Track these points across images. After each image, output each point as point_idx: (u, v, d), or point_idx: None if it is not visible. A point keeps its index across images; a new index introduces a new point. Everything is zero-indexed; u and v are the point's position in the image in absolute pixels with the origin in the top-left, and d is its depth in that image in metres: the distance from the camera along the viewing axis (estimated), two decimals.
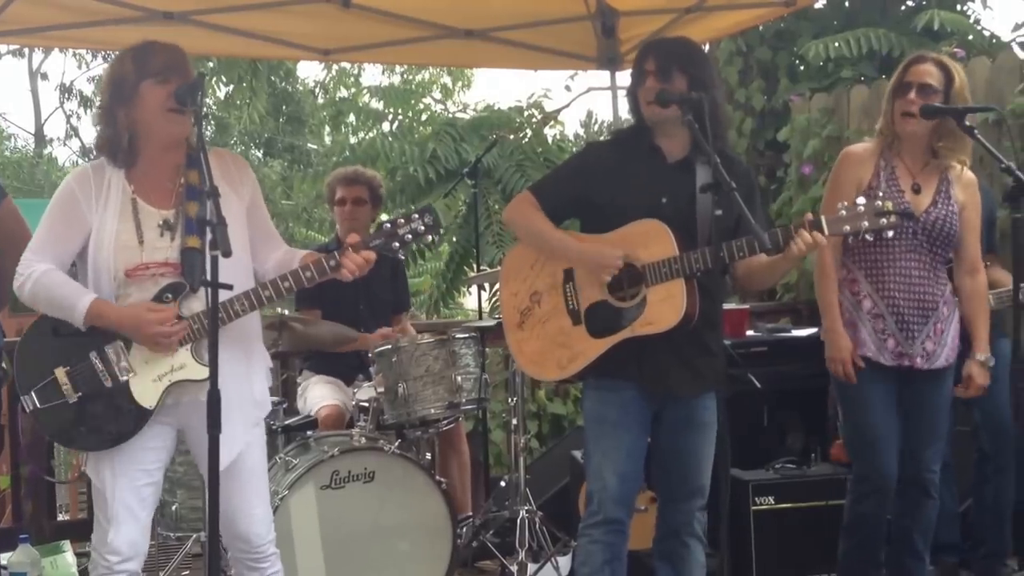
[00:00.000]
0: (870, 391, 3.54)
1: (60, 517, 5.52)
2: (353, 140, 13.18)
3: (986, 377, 3.61)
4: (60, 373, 2.82)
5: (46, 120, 22.40)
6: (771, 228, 3.00)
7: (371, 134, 10.43)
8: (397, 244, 2.90)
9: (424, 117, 9.78)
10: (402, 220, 2.90)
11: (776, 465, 4.28)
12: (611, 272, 3.08)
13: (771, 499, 4.14)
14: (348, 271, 2.84)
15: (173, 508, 4.15)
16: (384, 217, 3.92)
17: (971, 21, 7.19)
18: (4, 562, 4.17)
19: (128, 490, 2.85)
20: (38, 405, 2.83)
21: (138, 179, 2.88)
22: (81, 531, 4.77)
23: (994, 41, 7.00)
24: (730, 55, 7.59)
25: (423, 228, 2.89)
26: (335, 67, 16.37)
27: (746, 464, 4.23)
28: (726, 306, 4.79)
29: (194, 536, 4.15)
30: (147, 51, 2.86)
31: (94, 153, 2.97)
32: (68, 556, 4.62)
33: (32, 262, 2.83)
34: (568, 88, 9.39)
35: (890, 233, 2.95)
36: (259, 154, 18.86)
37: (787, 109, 7.04)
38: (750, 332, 5.04)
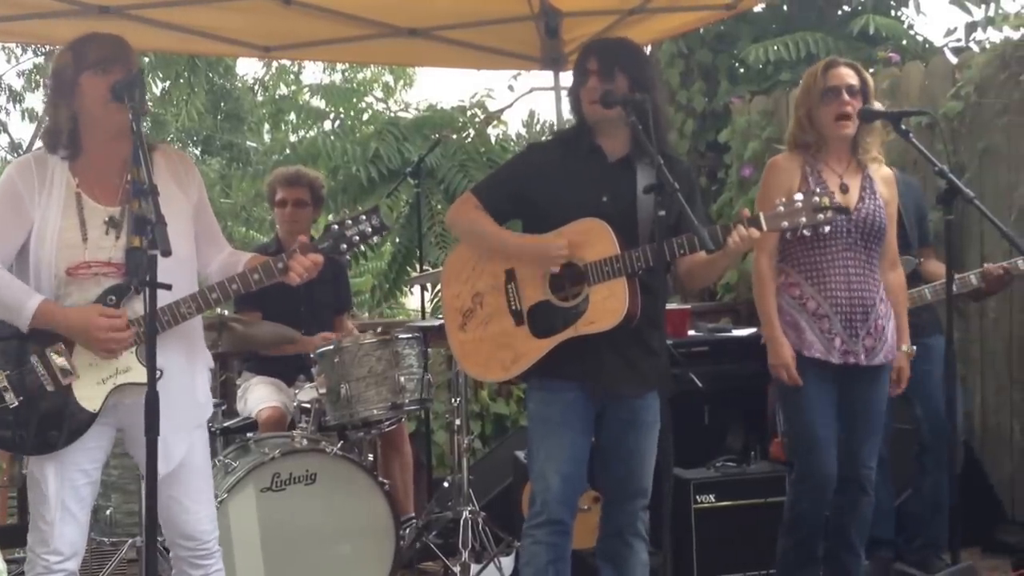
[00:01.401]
0: (810, 392, 3.58)
1: None
2: (293, 138, 13.05)
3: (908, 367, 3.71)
4: None
5: None
6: (710, 227, 3.02)
7: (311, 133, 10.34)
8: (345, 246, 2.87)
9: (366, 116, 9.72)
10: (350, 221, 2.87)
11: (717, 463, 4.32)
12: (556, 263, 3.08)
13: (712, 497, 4.18)
14: (296, 274, 2.81)
15: (108, 512, 4.07)
16: (331, 218, 3.88)
17: (905, 27, 7.33)
18: None
19: (68, 490, 2.81)
20: None
21: (83, 172, 2.80)
22: (10, 537, 4.68)
23: (927, 46, 7.14)
24: (671, 57, 7.65)
25: (371, 230, 2.87)
26: (275, 64, 16.19)
27: (688, 463, 4.27)
28: (668, 306, 4.82)
29: (129, 541, 4.08)
30: (86, 42, 2.80)
31: (23, 150, 2.90)
32: None
33: None
34: (511, 88, 9.40)
35: (827, 228, 2.99)
36: (197, 152, 18.58)
37: (727, 111, 7.12)
38: (691, 332, 5.09)
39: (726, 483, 4.22)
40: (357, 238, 2.87)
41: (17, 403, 2.76)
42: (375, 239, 2.92)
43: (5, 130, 21.22)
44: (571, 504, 3.19)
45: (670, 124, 7.27)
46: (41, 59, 18.09)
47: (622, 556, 3.27)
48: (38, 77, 18.26)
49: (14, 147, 21.51)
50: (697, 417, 4.71)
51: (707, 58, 7.53)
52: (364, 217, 2.88)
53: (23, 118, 19.19)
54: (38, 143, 2.95)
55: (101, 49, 2.78)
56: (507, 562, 4.32)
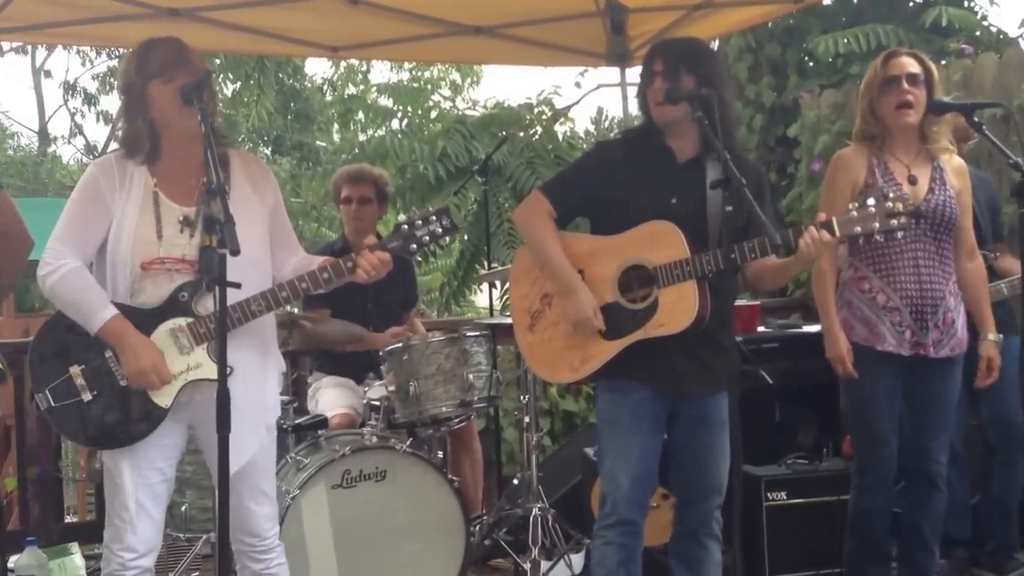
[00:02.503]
0: (876, 384, 3.55)
1: (68, 519, 5.51)
2: (362, 137, 13.17)
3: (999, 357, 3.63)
4: (75, 371, 2.81)
5: (50, 118, 22.39)
6: (781, 225, 2.98)
7: (380, 131, 10.41)
8: (415, 246, 2.89)
9: (433, 114, 9.77)
10: (419, 221, 2.89)
11: (788, 460, 4.27)
12: (586, 330, 3.10)
13: (783, 494, 4.14)
14: (364, 272, 2.84)
15: (183, 509, 4.13)
16: (401, 217, 3.92)
17: (978, 17, 7.18)
18: (12, 565, 4.16)
19: (142, 487, 2.85)
20: (52, 403, 2.82)
21: (161, 173, 2.86)
22: (89, 533, 4.79)
23: (1001, 37, 6.99)
24: (740, 52, 7.57)
25: (440, 230, 2.88)
26: (343, 64, 16.35)
27: (758, 460, 4.22)
28: (737, 303, 4.77)
29: (204, 537, 4.14)
30: (146, 51, 2.84)
31: (98, 152, 2.97)
32: (76, 558, 4.60)
33: (60, 253, 2.80)
34: (578, 85, 9.35)
35: (900, 234, 2.94)
36: (267, 152, 18.86)
37: (797, 105, 7.03)
38: (761, 328, 5.02)
39: (798, 480, 4.17)
40: (427, 238, 2.89)
41: (91, 398, 2.81)
42: (445, 239, 2.93)
43: (81, 132, 21.76)
44: (642, 504, 3.17)
45: (738, 121, 7.20)
46: (115, 62, 18.54)
47: (697, 557, 3.26)
48: (112, 80, 18.70)
49: (90, 149, 22.05)
50: (767, 414, 4.65)
51: (776, 52, 7.44)
52: (434, 217, 2.89)
53: (98, 120, 19.67)
54: (113, 145, 3.01)
55: (162, 56, 2.82)
56: (577, 559, 4.32)
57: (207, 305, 2.81)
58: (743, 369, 4.35)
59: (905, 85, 3.52)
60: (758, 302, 5.39)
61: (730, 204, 2.84)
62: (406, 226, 2.89)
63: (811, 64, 7.47)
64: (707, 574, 3.24)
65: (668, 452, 3.26)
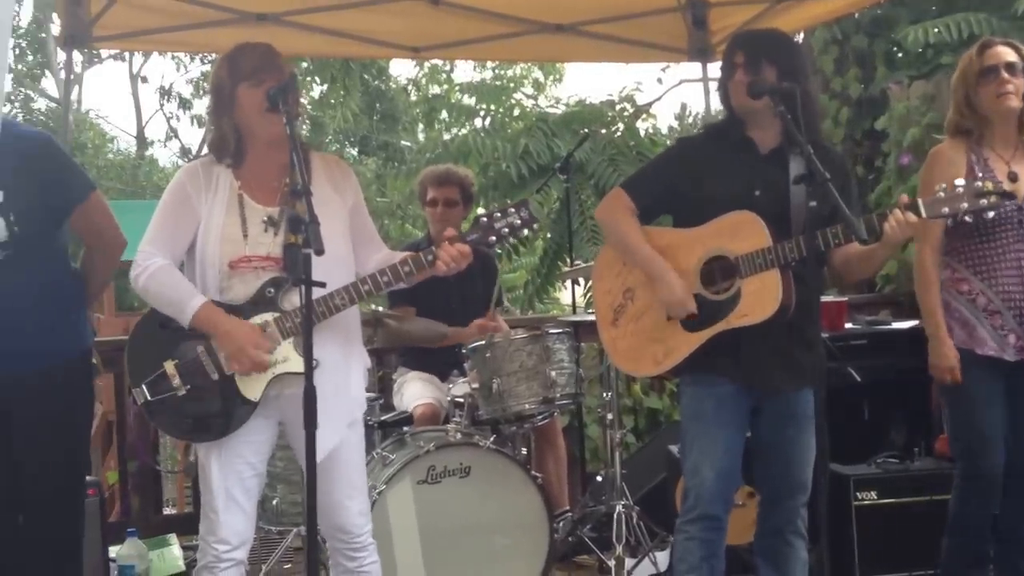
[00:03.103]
0: (979, 390, 3.45)
1: (166, 511, 5.67)
2: (447, 137, 13.29)
3: None
4: (169, 366, 2.89)
5: (147, 122, 23.03)
6: (866, 216, 2.93)
7: (464, 130, 10.49)
8: (493, 238, 2.91)
9: (516, 112, 9.80)
10: (498, 214, 2.91)
11: (878, 459, 4.20)
12: (679, 315, 3.09)
13: (873, 494, 4.06)
14: (444, 263, 2.87)
15: (274, 502, 4.23)
16: (481, 211, 3.95)
17: None
18: (113, 555, 4.28)
19: (234, 482, 2.92)
20: (149, 397, 2.90)
21: (246, 177, 2.95)
22: (187, 525, 4.90)
23: None
24: (825, 44, 7.45)
25: (519, 222, 2.90)
26: (427, 64, 16.51)
27: (846, 459, 4.15)
28: (824, 299, 4.70)
29: (294, 530, 4.24)
30: (239, 55, 2.93)
31: (193, 154, 3.07)
32: (175, 549, 4.73)
33: (150, 255, 2.89)
34: (660, 81, 9.33)
35: (991, 214, 2.87)
36: (354, 152, 19.13)
37: (885, 97, 6.88)
38: (849, 325, 4.94)
39: (888, 480, 4.09)
40: (506, 230, 2.90)
41: (185, 392, 2.89)
42: (524, 232, 2.95)
43: (176, 136, 22.35)
44: (725, 499, 3.15)
45: (822, 113, 7.08)
46: (207, 67, 18.99)
47: (782, 555, 3.22)
48: (204, 84, 19.16)
49: (184, 152, 22.62)
50: (856, 412, 4.57)
51: (863, 43, 7.30)
52: (512, 210, 2.91)
53: (192, 123, 20.20)
54: (205, 150, 3.11)
55: (252, 61, 2.90)
56: (662, 557, 4.30)
57: (292, 300, 2.87)
58: (830, 366, 4.30)
59: (1004, 75, 3.42)
60: (845, 298, 5.30)
61: (814, 199, 2.81)
62: (485, 219, 2.92)
63: (899, 55, 7.32)
64: (793, 572, 3.21)
65: (752, 448, 3.23)
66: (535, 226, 2.98)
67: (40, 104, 21.89)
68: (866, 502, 4.05)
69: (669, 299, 3.10)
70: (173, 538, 4.79)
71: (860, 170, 7.06)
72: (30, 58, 21.21)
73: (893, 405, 4.62)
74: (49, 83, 21.54)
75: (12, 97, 21.27)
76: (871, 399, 4.59)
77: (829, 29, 7.33)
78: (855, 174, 7.31)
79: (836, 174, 2.85)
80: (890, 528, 4.04)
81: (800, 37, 7.48)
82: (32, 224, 3.05)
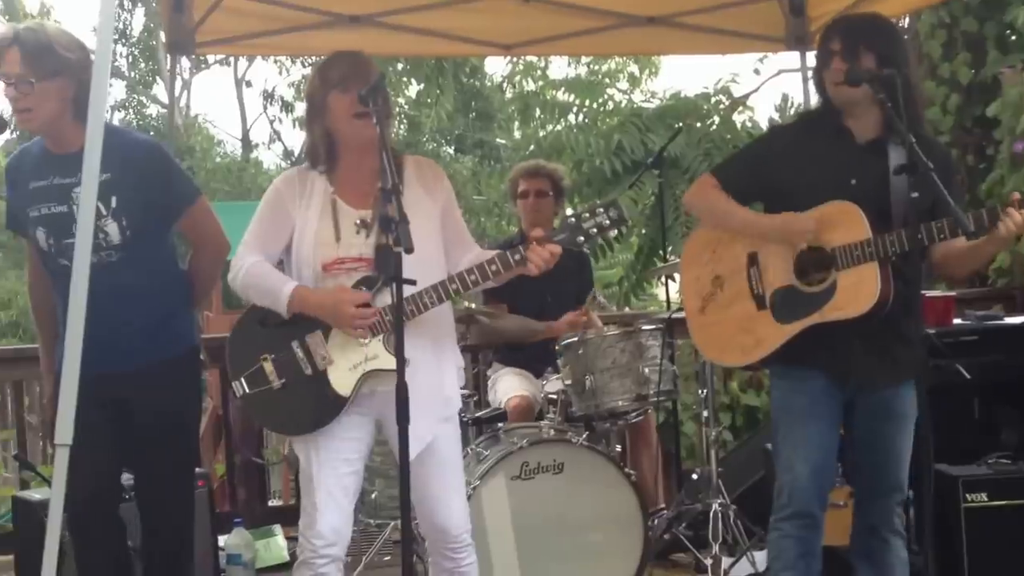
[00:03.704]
0: None
1: (271, 502, 5.79)
2: (542, 133, 13.29)
3: None
4: (265, 360, 2.98)
5: (251, 126, 23.61)
6: (974, 211, 2.82)
7: (558, 127, 10.48)
8: (582, 238, 2.89)
9: (610, 107, 9.74)
10: (587, 214, 2.89)
11: (989, 460, 4.03)
12: (803, 237, 2.99)
13: (984, 496, 3.90)
14: (534, 265, 2.86)
15: (372, 496, 4.31)
16: (569, 211, 3.94)
17: None
18: (221, 544, 4.41)
19: (331, 478, 2.97)
20: (247, 391, 3.00)
21: (339, 182, 3.02)
22: (291, 516, 5.00)
23: None
24: (932, 28, 7.22)
25: (608, 222, 2.87)
26: (522, 61, 16.51)
27: (953, 459, 4.00)
28: (930, 293, 4.56)
29: (392, 523, 4.30)
30: (330, 64, 3.03)
31: (295, 156, 3.14)
32: (280, 540, 4.86)
33: (243, 256, 3.01)
34: (757, 72, 9.12)
35: None
36: (450, 150, 19.27)
37: (997, 83, 6.64)
38: (958, 320, 4.77)
39: (1001, 481, 3.91)
40: (594, 230, 2.88)
41: (280, 386, 2.97)
42: (612, 232, 2.94)
43: (279, 138, 22.85)
44: (820, 496, 3.08)
45: (929, 100, 6.85)
46: (308, 70, 19.32)
47: (879, 553, 3.13)
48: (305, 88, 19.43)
49: (287, 154, 23.10)
50: (965, 411, 4.41)
51: (973, 26, 7.05)
52: (601, 209, 2.88)
53: (294, 126, 20.62)
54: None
55: (341, 69, 2.98)
56: (760, 556, 4.21)
57: (383, 299, 2.91)
58: (937, 363, 4.16)
59: None
60: (953, 293, 5.13)
61: (916, 191, 2.72)
62: (573, 218, 2.91)
63: (1012, 38, 7.03)
64: (892, 571, 3.11)
65: (845, 444, 3.15)
66: (624, 226, 2.95)
67: (152, 110, 22.60)
68: (976, 504, 3.89)
69: (788, 231, 3.01)
70: (278, 528, 4.92)
71: (970, 159, 6.83)
72: (142, 65, 21.90)
73: (1006, 403, 4.44)
74: (160, 89, 22.22)
75: (125, 104, 22.06)
76: (981, 397, 4.42)
77: (936, 12, 7.09)
78: (964, 163, 7.08)
79: (939, 167, 2.75)
80: (1002, 532, 3.87)
81: (905, 22, 7.26)
82: (143, 227, 3.18)
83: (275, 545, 4.82)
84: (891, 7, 4.51)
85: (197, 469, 3.71)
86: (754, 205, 3.24)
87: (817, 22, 4.91)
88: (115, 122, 18.77)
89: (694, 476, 4.70)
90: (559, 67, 17.18)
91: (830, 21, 3.23)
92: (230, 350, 3.06)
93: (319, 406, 2.96)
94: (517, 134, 17.49)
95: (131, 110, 21.89)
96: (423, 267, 2.81)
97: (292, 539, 4.79)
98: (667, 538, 4.51)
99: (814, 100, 3.28)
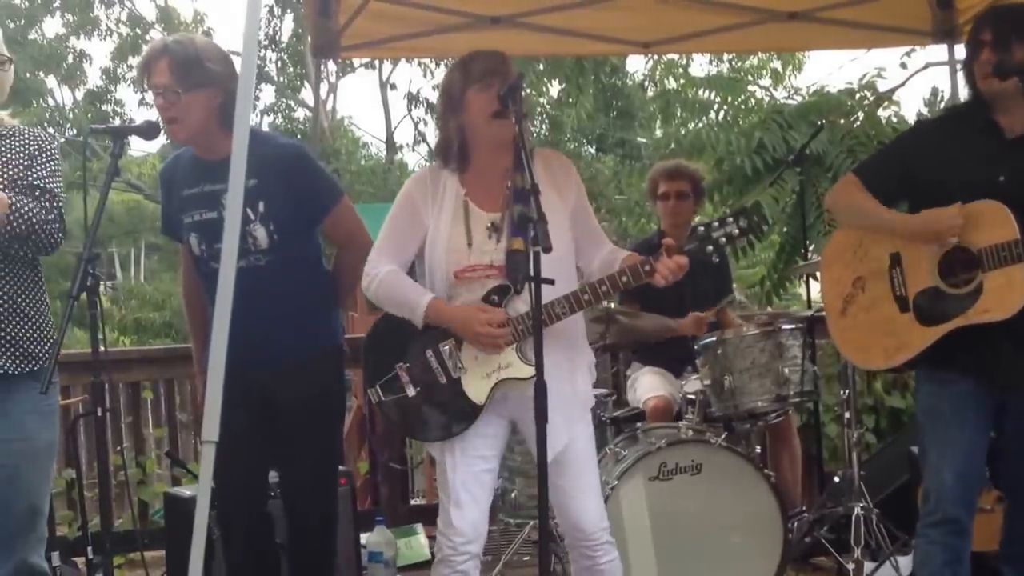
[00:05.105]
0: None
1: (413, 501, 5.87)
2: (683, 131, 13.18)
3: None
4: (401, 369, 3.03)
5: (395, 128, 24.06)
6: None
7: (699, 124, 10.37)
8: (711, 247, 2.86)
9: (751, 104, 9.58)
10: (716, 223, 2.86)
11: None
12: (951, 233, 2.92)
13: None
14: (661, 276, 2.84)
15: (512, 495, 4.34)
16: (698, 218, 3.92)
17: None
18: (364, 542, 4.47)
19: (468, 475, 3.00)
20: (382, 398, 3.05)
21: (471, 182, 3.02)
22: (433, 515, 5.06)
23: None
24: None
25: (737, 231, 2.84)
26: (663, 59, 16.42)
27: None
28: None
29: (531, 523, 4.30)
30: (470, 60, 3.01)
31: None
32: (421, 538, 4.92)
33: (377, 263, 3.02)
34: (903, 66, 8.79)
35: None
36: (591, 149, 19.25)
37: None
38: None
39: None
40: (723, 240, 2.85)
41: (415, 393, 3.02)
42: (743, 241, 2.91)
43: (424, 140, 23.23)
44: (968, 502, 3.00)
45: None
46: None
47: None
48: None
49: (431, 155, 23.40)
50: None
51: None
52: (731, 219, 2.85)
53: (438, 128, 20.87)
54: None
55: (483, 64, 2.97)
56: (904, 562, 4.11)
57: (516, 308, 2.93)
58: None
59: None
60: None
61: None
62: (702, 228, 2.88)
63: None
64: None
65: (997, 448, 3.06)
66: (754, 235, 2.91)
67: (299, 113, 23.28)
68: None
69: (934, 228, 2.94)
70: (419, 527, 4.97)
71: None
72: (291, 70, 22.61)
73: None
74: (307, 93, 22.89)
75: (274, 108, 22.78)
76: None
77: None
78: None
79: None
80: None
81: None
82: (289, 231, 3.25)
83: (416, 543, 4.88)
84: None
85: (341, 467, 3.75)
86: (900, 205, 3.18)
87: (965, 14, 4.75)
88: (264, 126, 19.47)
89: (836, 479, 4.60)
90: (701, 64, 17.01)
91: (981, 11, 3.14)
92: (366, 357, 3.09)
93: (453, 413, 2.99)
94: (658, 132, 17.35)
95: (279, 114, 22.57)
96: (555, 267, 2.78)
97: (433, 538, 4.85)
98: (808, 541, 4.43)
99: (964, 94, 3.18)
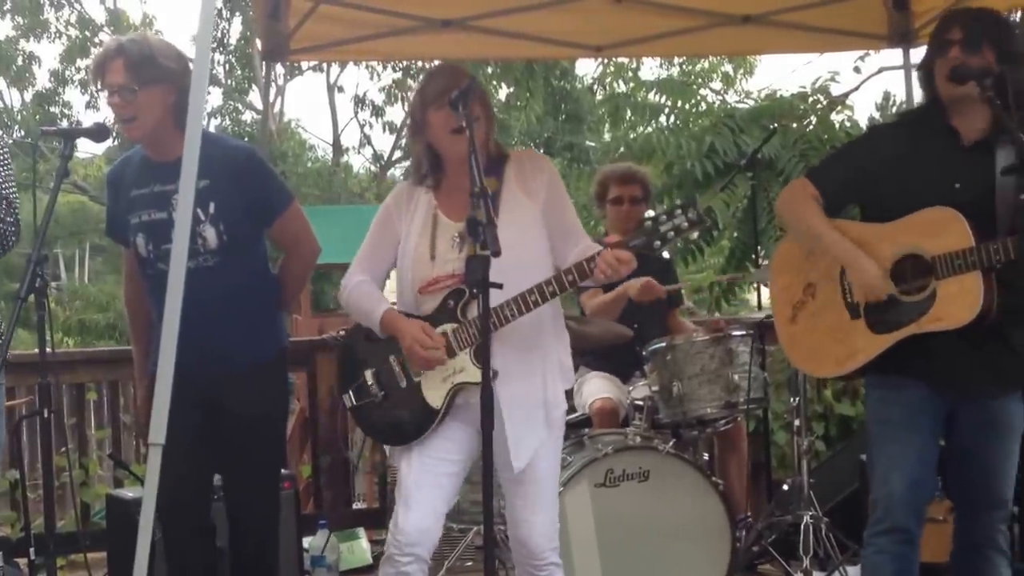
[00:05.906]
0: None
1: (356, 505, 5.82)
2: (632, 136, 13.17)
3: None
4: (368, 375, 3.07)
5: (342, 130, 23.92)
6: None
7: (649, 129, 10.36)
8: (658, 242, 2.79)
9: (702, 108, 9.58)
10: (663, 216, 2.78)
11: None
12: (875, 299, 2.91)
13: None
14: (600, 272, 2.78)
15: (456, 501, 4.26)
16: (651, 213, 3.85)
17: None
18: (306, 545, 4.45)
19: (424, 476, 2.97)
20: (354, 403, 3.11)
21: (443, 194, 3.05)
22: (376, 519, 5.04)
23: None
24: None
25: (686, 224, 2.75)
26: (612, 62, 16.43)
27: None
28: None
29: (475, 528, 4.27)
30: (427, 81, 3.06)
31: (384, 160, 3.15)
32: (363, 542, 4.89)
33: (351, 274, 3.09)
34: (857, 70, 8.83)
35: None
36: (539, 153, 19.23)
37: None
38: None
39: None
40: (671, 233, 2.76)
41: (380, 397, 3.05)
42: (692, 234, 2.85)
43: (369, 142, 23.13)
44: (917, 511, 2.96)
45: None
46: (399, 75, 19.54)
47: (980, 572, 3.01)
48: (396, 92, 19.68)
49: (377, 158, 23.36)
50: None
51: None
52: (679, 211, 2.77)
53: (384, 131, 20.84)
54: (398, 154, 3.21)
55: (438, 84, 2.98)
56: (853, 571, 4.08)
57: (472, 311, 2.89)
58: None
59: None
60: None
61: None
62: (649, 222, 2.81)
63: None
64: None
65: (946, 457, 3.03)
66: (702, 227, 2.86)
67: (247, 116, 23.09)
68: None
69: (863, 282, 2.93)
70: (362, 532, 4.94)
71: None
72: (239, 73, 22.42)
73: None
74: (255, 96, 22.70)
75: (222, 110, 22.58)
76: None
77: None
78: None
79: None
80: None
81: (1016, 16, 6.99)
82: (238, 233, 3.25)
83: (359, 548, 4.85)
84: (1004, 1, 4.34)
85: (283, 471, 3.77)
86: (851, 210, 3.14)
87: (922, 17, 4.76)
88: (211, 128, 19.31)
89: (785, 487, 4.58)
90: (651, 68, 17.04)
91: (946, 12, 3.09)
92: (339, 363, 3.20)
93: (415, 418, 3.01)
94: (607, 136, 17.39)
95: (227, 116, 22.42)
96: (519, 271, 2.77)
97: (376, 542, 4.81)
98: (755, 549, 4.41)
99: (918, 98, 3.14)
